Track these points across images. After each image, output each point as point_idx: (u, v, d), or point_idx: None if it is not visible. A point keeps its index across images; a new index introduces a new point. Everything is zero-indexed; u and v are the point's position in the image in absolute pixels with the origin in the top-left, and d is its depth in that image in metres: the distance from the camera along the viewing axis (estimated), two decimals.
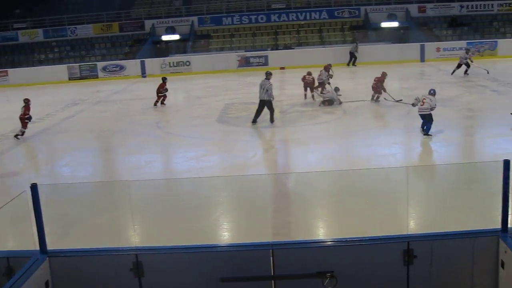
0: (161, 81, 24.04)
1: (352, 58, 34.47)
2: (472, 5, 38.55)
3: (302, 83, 22.96)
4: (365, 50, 34.67)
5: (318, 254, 6.65)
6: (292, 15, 39.34)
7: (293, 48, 36.79)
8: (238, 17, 39.60)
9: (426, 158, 14.38)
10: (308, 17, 39.26)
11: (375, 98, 21.56)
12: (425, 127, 16.13)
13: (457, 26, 37.31)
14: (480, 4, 38.56)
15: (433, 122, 15.94)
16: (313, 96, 22.93)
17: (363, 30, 38.27)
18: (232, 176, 12.46)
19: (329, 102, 21.30)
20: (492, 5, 38.46)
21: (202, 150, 16.27)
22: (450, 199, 11.21)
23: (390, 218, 9.71)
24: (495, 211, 6.76)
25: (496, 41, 35.19)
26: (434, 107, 16.07)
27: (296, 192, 12.30)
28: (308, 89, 23.05)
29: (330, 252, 6.75)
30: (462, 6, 38.40)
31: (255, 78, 25.51)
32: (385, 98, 20.90)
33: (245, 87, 27.44)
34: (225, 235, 10.11)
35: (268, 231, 9.93)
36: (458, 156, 14.77)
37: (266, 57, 35.06)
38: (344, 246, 6.77)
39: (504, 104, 20.51)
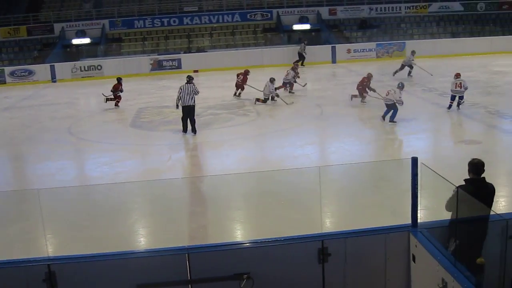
0: (115, 82, 23.71)
1: (301, 59, 34.51)
2: (381, 8, 39.66)
3: (217, 86, 23.00)
4: (277, 52, 35.00)
5: (235, 256, 6.65)
6: (205, 18, 39.30)
7: (207, 51, 36.73)
8: (150, 20, 39.20)
9: (339, 157, 14.60)
10: (220, 20, 39.31)
11: (363, 100, 21.63)
12: (390, 116, 17.72)
13: (366, 28, 38.27)
14: (389, 7, 39.72)
15: (340, 123, 16.28)
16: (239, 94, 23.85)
17: (276, 33, 38.65)
18: (147, 181, 12.30)
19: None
20: (400, 7, 39.69)
21: (116, 155, 16.00)
22: (363, 197, 11.47)
23: (305, 217, 9.82)
24: (406, 207, 6.94)
25: (404, 42, 36.28)
26: (399, 100, 17.50)
27: (212, 195, 12.28)
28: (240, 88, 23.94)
29: (247, 253, 6.76)
30: (371, 9, 39.43)
31: (169, 81, 25.42)
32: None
33: (159, 91, 27.20)
34: (141, 241, 9.97)
35: (184, 235, 9.87)
36: (370, 155, 15.09)
37: (179, 60, 34.85)
38: (260, 247, 6.81)
39: (413, 103, 21.17)
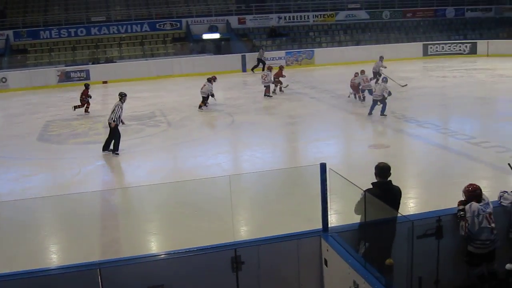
0: (83, 88, 23.73)
1: (260, 64, 34.80)
2: (289, 16, 40.22)
3: (128, 97, 22.58)
4: (187, 62, 34.90)
5: (148, 269, 6.55)
6: (113, 28, 38.70)
7: (115, 62, 36.20)
8: (57, 31, 38.22)
9: (251, 165, 14.68)
10: (129, 30, 38.81)
11: (361, 97, 22.56)
12: (380, 110, 19.39)
13: (276, 36, 38.73)
14: (297, 15, 40.35)
15: (252, 131, 16.38)
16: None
17: (185, 42, 38.53)
18: (56, 196, 11.95)
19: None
20: (308, 16, 40.38)
21: (23, 170, 15.47)
22: (276, 204, 11.55)
23: (218, 227, 9.81)
24: (318, 212, 7.02)
25: (313, 50, 36.97)
26: (386, 93, 19.29)
27: (124, 207, 12.08)
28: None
29: (160, 265, 6.68)
30: (280, 18, 39.94)
31: (76, 93, 24.83)
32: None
33: (67, 103, 26.50)
34: (52, 258, 9.68)
35: (95, 250, 9.65)
36: (282, 162, 15.24)
37: (87, 71, 34.12)
38: (173, 259, 6.73)
39: (322, 110, 21.60)
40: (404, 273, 6.04)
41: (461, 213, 7.36)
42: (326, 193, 6.79)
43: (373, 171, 7.29)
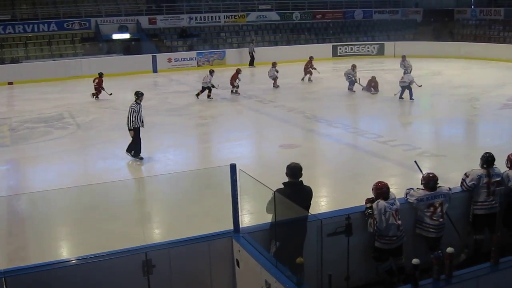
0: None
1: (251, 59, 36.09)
2: (200, 17, 40.07)
3: (35, 98, 21.99)
4: (97, 62, 34.08)
5: (57, 276, 6.35)
6: (19, 27, 37.37)
7: (21, 62, 35.01)
8: None
9: (162, 167, 14.48)
10: (36, 29, 37.59)
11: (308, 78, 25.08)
12: (409, 95, 22.50)
13: (187, 37, 38.51)
14: (208, 16, 40.26)
15: (163, 133, 16.22)
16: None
17: (95, 42, 37.72)
18: None
19: None
20: (219, 17, 40.37)
21: None
22: (187, 206, 11.47)
23: (129, 230, 9.64)
24: (230, 213, 7.01)
25: (224, 51, 37.00)
26: (412, 80, 22.66)
27: (31, 213, 11.66)
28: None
29: (69, 272, 6.49)
30: (191, 18, 39.72)
31: None
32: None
33: None
34: None
35: (0, 258, 9.29)
36: (194, 163, 15.15)
37: None
38: (82, 264, 6.55)
39: (233, 111, 21.66)
40: (315, 271, 6.11)
41: (369, 210, 7.53)
42: (237, 194, 6.79)
43: (285, 170, 7.34)
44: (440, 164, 13.70)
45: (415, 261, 5.74)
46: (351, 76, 25.36)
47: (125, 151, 15.26)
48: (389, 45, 39.73)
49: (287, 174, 7.28)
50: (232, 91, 25.29)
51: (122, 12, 38.99)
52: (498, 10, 41.43)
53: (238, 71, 25.60)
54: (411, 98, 22.49)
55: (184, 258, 6.83)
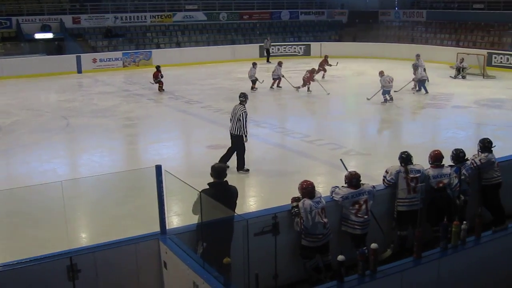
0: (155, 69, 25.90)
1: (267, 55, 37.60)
2: (126, 17, 39.48)
3: None
4: (18, 63, 33.15)
5: None
6: None
7: None
8: None
9: (88, 170, 14.17)
10: None
11: (308, 89, 24.92)
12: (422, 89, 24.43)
13: (112, 37, 37.89)
14: (134, 16, 39.71)
15: (88, 134, 15.92)
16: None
17: (16, 42, 36.66)
18: None
19: None
20: (145, 16, 39.88)
21: None
22: (114, 208, 11.31)
23: (53, 235, 9.41)
24: (157, 215, 6.95)
25: (151, 51, 36.60)
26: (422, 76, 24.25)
27: None
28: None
29: None
30: (116, 18, 39.09)
31: None
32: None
33: None
34: None
35: None
36: (120, 165, 14.92)
37: None
38: (5, 271, 6.34)
39: (160, 112, 21.48)
40: (242, 270, 6.12)
41: (295, 209, 7.61)
42: (163, 196, 6.74)
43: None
44: (365, 162, 13.99)
45: (340, 257, 5.84)
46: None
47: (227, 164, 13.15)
48: (315, 46, 40.24)
49: (211, 174, 7.31)
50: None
51: (44, 11, 38.01)
52: (420, 12, 42.70)
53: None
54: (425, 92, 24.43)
55: (111, 262, 6.73)
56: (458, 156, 9.34)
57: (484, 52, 32.52)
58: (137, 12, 39.84)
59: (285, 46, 40.67)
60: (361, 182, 8.24)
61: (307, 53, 39.93)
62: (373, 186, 8.52)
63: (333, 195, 8.21)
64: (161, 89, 25.74)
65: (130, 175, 12.67)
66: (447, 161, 9.36)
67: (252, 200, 12.04)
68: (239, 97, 13.91)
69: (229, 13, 42.51)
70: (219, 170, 7.33)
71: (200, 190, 6.61)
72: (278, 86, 26.35)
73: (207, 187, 7.18)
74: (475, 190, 9.65)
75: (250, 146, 17.01)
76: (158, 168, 6.63)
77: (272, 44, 39.47)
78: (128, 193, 11.94)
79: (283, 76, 26.00)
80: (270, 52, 38.39)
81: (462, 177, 8.91)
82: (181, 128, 19.69)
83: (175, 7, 40.98)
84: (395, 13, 44.72)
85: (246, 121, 13.34)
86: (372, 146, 16.42)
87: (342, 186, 8.27)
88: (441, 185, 8.74)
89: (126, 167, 14.35)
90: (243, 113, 13.34)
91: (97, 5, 39.07)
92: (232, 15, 42.66)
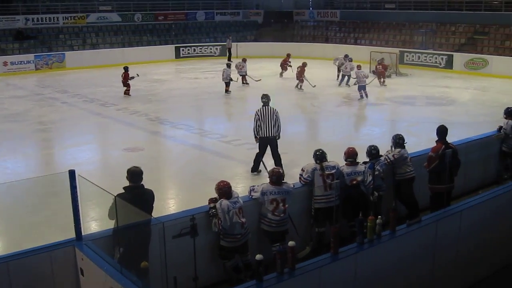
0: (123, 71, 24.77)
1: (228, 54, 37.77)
2: (38, 18, 38.31)
3: None
4: None
5: None
6: None
7: None
8: None
9: (0, 177, 13.70)
10: None
11: (299, 86, 25.60)
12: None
13: (23, 39, 36.76)
14: (46, 17, 38.58)
15: (8, 139, 15.42)
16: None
17: None
18: None
19: None
20: (58, 18, 38.85)
21: None
22: (28, 216, 10.99)
23: None
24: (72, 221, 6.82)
25: (64, 53, 35.76)
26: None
27: None
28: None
29: None
30: (27, 19, 37.90)
31: None
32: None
33: None
34: None
35: None
36: (35, 171, 14.49)
37: None
38: None
39: (75, 115, 21.01)
40: (161, 274, 6.08)
41: (213, 210, 7.62)
42: (77, 201, 6.62)
43: None
44: (283, 161, 14.12)
45: (258, 257, 5.88)
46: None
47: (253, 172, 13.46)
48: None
49: (127, 178, 7.23)
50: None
51: None
52: (334, 12, 43.56)
53: (287, 56, 28.62)
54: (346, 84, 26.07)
55: (25, 271, 6.54)
56: (371, 152, 9.58)
57: (396, 50, 33.59)
58: (49, 13, 38.75)
59: (201, 47, 40.62)
60: (283, 181, 8.33)
61: (223, 53, 40.00)
62: (293, 185, 8.64)
63: (252, 194, 8.27)
64: (127, 93, 24.69)
65: (44, 181, 12.35)
66: (364, 157, 9.60)
67: (170, 202, 11.96)
68: (262, 99, 13.60)
69: (144, 14, 42.00)
70: (134, 174, 7.26)
71: (115, 195, 6.52)
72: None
73: (123, 191, 7.10)
74: (390, 185, 9.93)
75: (167, 147, 17.01)
76: (72, 173, 6.51)
77: (187, 45, 39.46)
78: (42, 199, 11.64)
79: (231, 79, 25.39)
80: (232, 52, 38.69)
81: (376, 173, 9.14)
82: (96, 131, 19.35)
83: (88, 8, 40.10)
84: (309, 13, 45.44)
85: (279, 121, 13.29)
86: (290, 145, 16.58)
87: (262, 183, 8.36)
88: (354, 182, 8.94)
89: (41, 173, 13.95)
90: (277, 112, 13.29)
91: (6, 6, 37.77)
92: (147, 16, 42.16)
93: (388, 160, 9.84)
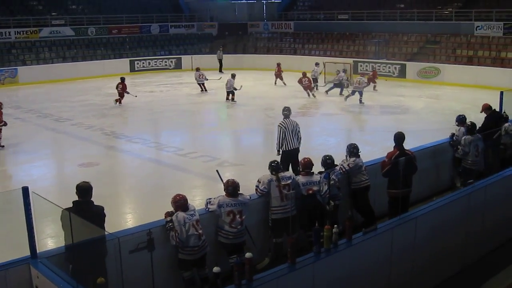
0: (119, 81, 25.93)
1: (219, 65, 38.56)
2: None
3: None
4: None
5: None
6: None
7: None
8: None
9: None
10: None
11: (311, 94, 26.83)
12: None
13: None
14: None
15: None
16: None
17: None
18: None
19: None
20: (10, 32, 38.20)
21: None
22: None
23: None
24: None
25: (17, 68, 35.25)
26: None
27: None
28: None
29: None
30: None
31: None
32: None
33: None
34: None
35: None
36: None
37: None
38: None
39: (28, 131, 20.68)
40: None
41: (170, 224, 7.60)
42: (31, 218, 6.53)
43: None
44: (239, 172, 14.16)
45: (216, 269, 5.89)
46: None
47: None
48: (186, 59, 40.40)
49: (76, 193, 7.16)
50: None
51: None
52: (288, 24, 43.94)
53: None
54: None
55: None
56: (326, 162, 9.69)
57: (350, 60, 34.02)
58: (1, 28, 38.14)
59: (155, 60, 40.51)
60: (239, 192, 8.34)
61: (178, 66, 40.05)
62: (250, 197, 8.65)
63: (209, 206, 8.26)
64: (119, 101, 25.55)
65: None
66: (319, 167, 9.69)
67: (127, 217, 11.88)
68: (284, 111, 13.28)
69: (98, 27, 41.69)
70: (82, 189, 7.19)
71: (63, 208, 6.47)
72: (232, 100, 26.19)
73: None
74: (346, 194, 10.03)
75: (122, 162, 16.88)
76: (25, 190, 6.42)
77: (142, 58, 39.36)
78: None
79: (235, 89, 26.00)
80: (222, 63, 39.17)
81: (332, 182, 9.22)
82: (51, 147, 19.09)
83: (41, 22, 39.60)
84: (264, 25, 45.73)
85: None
86: (245, 156, 16.67)
87: (219, 196, 8.36)
88: (310, 191, 9.00)
89: None
90: (298, 125, 13.10)
91: None
92: (101, 30, 41.85)
93: (343, 169, 9.96)
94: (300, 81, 27.08)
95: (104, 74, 36.50)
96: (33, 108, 25.13)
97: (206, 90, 28.85)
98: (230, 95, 25.96)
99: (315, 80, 28.69)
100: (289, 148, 12.70)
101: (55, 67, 36.58)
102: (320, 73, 29.87)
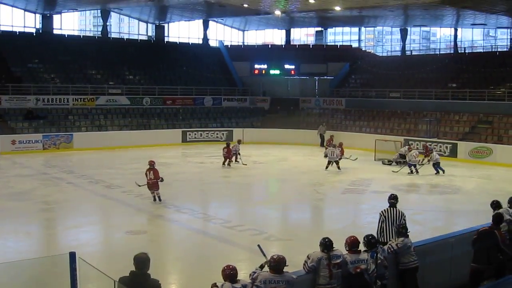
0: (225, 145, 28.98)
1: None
2: (48, 99, 38.89)
3: None
4: None
5: None
6: None
7: None
8: None
9: (1, 255, 13.57)
10: None
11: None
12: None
13: (33, 118, 37.24)
14: (56, 98, 39.17)
15: (11, 218, 15.34)
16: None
17: None
18: None
19: None
20: (68, 99, 39.41)
21: None
22: None
23: None
24: None
25: (72, 134, 36.15)
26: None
27: None
28: None
29: None
30: (38, 99, 38.47)
31: None
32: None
33: None
34: None
35: None
36: (36, 251, 14.41)
37: None
38: None
39: (80, 196, 21.03)
40: None
41: None
42: (76, 284, 6.55)
43: (131, 257, 7.19)
44: (286, 247, 13.99)
45: None
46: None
47: None
48: (237, 132, 40.71)
49: (134, 264, 7.13)
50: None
51: None
52: (339, 100, 44.20)
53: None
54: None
55: None
56: (370, 242, 9.47)
57: (401, 138, 33.82)
58: (60, 94, 39.41)
59: (207, 132, 41.06)
60: (284, 270, 8.19)
61: (229, 138, 40.39)
62: (295, 276, 8.47)
63: (255, 282, 8.10)
64: (229, 164, 28.47)
65: (46, 261, 12.21)
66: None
67: (173, 287, 11.81)
68: (391, 199, 12.47)
69: (153, 98, 42.68)
70: (140, 260, 7.16)
71: (117, 279, 6.45)
72: (236, 161, 28.71)
73: (125, 274, 7.02)
74: (393, 274, 9.80)
75: (170, 231, 16.91)
76: (72, 255, 6.47)
77: (194, 129, 40.03)
78: (43, 280, 11.46)
79: (239, 154, 28.35)
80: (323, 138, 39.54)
81: (378, 261, 9.04)
82: (100, 213, 19.30)
83: (98, 90, 40.84)
84: (315, 101, 46.08)
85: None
86: (293, 231, 16.52)
87: (264, 270, 8.24)
88: (358, 270, 8.83)
89: (42, 253, 13.89)
90: (405, 216, 12.06)
91: (18, 86, 38.50)
92: (156, 100, 42.82)
93: (392, 249, 9.77)
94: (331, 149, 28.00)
95: (156, 143, 37.14)
96: (86, 173, 25.59)
97: (236, 162, 29.07)
98: (234, 158, 28.63)
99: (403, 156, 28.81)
100: (387, 240, 11.36)
101: (109, 135, 37.42)
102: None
